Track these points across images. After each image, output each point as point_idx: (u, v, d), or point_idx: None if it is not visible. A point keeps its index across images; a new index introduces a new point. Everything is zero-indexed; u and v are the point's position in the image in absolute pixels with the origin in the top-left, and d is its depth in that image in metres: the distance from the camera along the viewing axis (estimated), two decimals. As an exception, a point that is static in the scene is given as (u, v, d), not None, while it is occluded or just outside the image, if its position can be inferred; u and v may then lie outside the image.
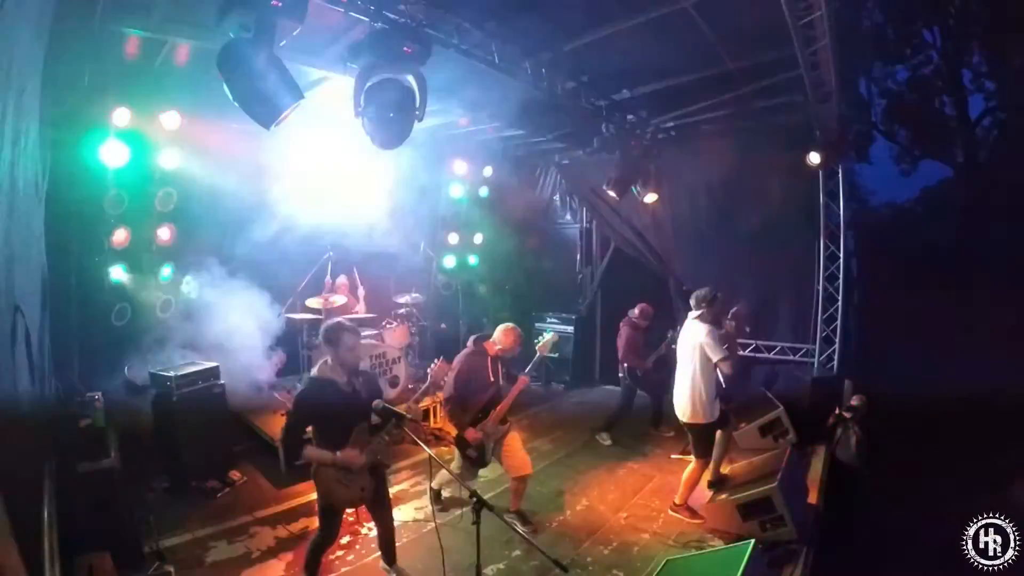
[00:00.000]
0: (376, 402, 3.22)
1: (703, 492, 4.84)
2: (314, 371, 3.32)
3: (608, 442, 6.47)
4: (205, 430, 5.15)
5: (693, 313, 4.60)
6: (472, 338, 4.61)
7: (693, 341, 4.50)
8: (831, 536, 4.46)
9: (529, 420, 7.34)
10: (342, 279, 7.35)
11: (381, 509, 3.55)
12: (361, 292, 7.68)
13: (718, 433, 4.68)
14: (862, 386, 6.94)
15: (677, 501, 4.75)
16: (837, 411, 6.20)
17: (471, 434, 4.29)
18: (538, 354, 4.58)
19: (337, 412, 3.20)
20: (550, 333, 4.73)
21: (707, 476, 4.90)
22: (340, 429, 3.21)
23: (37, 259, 3.46)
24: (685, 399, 4.57)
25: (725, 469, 5.13)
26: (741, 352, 4.74)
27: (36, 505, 2.65)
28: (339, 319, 3.50)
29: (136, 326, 5.56)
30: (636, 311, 6.69)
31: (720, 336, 4.41)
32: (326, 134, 6.05)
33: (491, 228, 9.04)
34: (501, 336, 4.48)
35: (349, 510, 3.76)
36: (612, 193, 7.07)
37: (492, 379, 4.45)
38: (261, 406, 6.41)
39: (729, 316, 4.71)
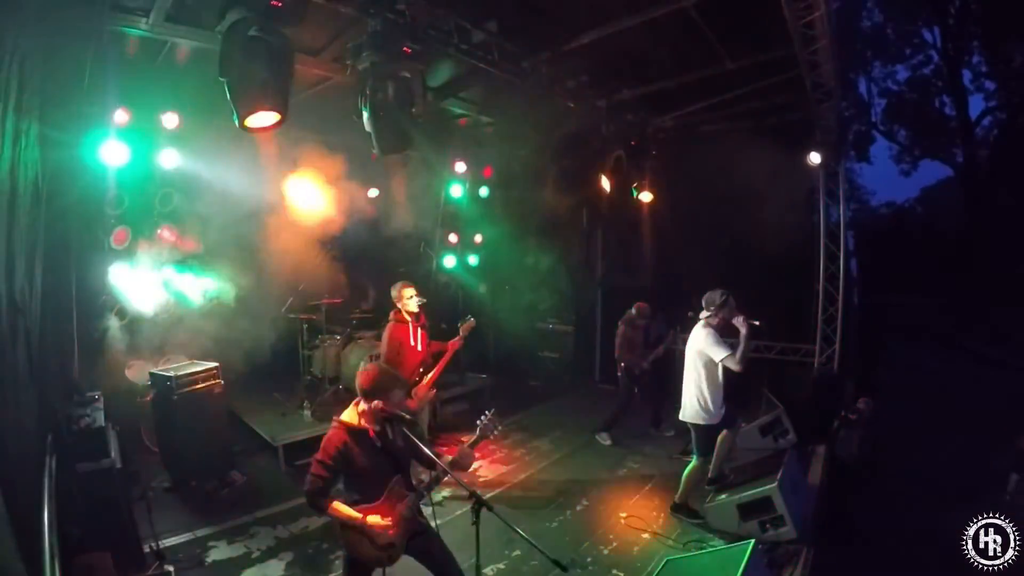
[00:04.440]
0: (375, 403, 2.85)
1: (703, 492, 4.83)
2: (345, 414, 2.92)
3: (608, 442, 6.47)
4: (205, 430, 5.15)
5: (703, 314, 4.60)
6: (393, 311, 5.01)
7: (696, 345, 4.52)
8: (831, 536, 4.45)
9: (529, 420, 7.35)
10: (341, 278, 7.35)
11: (435, 564, 2.97)
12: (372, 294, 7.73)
13: (723, 432, 4.68)
14: (861, 385, 6.94)
15: (677, 500, 4.76)
16: (843, 414, 6.18)
17: (409, 403, 4.16)
18: (460, 332, 4.97)
19: (369, 465, 2.84)
20: (470, 319, 5.08)
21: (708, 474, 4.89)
22: (372, 482, 2.85)
23: (37, 259, 3.46)
24: (689, 400, 4.59)
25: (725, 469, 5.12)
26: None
27: (36, 505, 2.65)
28: (384, 367, 3.09)
29: (136, 326, 5.56)
30: (633, 310, 6.67)
31: (720, 337, 4.41)
32: (326, 134, 6.05)
33: (491, 228, 9.04)
34: (395, 295, 4.95)
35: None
36: (611, 192, 7.07)
37: (413, 344, 4.84)
38: (261, 406, 6.42)
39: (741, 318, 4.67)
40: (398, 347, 4.81)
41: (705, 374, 4.48)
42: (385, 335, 4.91)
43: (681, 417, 4.68)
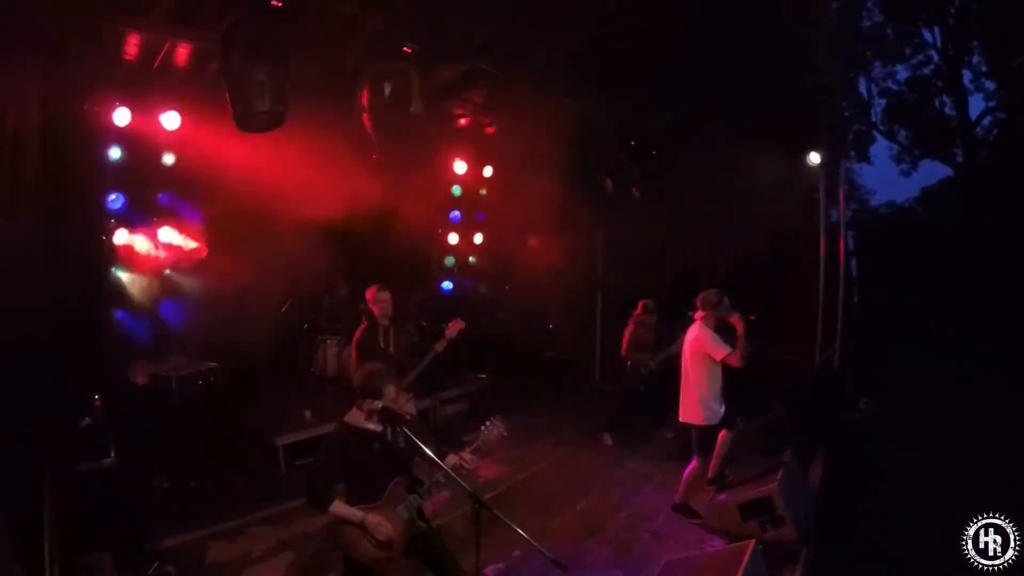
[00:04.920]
0: (376, 403, 2.85)
1: (703, 492, 4.83)
2: (348, 415, 2.95)
3: (609, 442, 6.43)
4: (205, 430, 5.15)
5: (698, 315, 4.60)
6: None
7: (695, 346, 4.52)
8: (831, 536, 4.45)
9: (529, 420, 7.33)
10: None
11: (436, 566, 3.00)
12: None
13: (722, 432, 4.68)
14: (862, 385, 6.94)
15: (677, 501, 4.76)
16: (844, 414, 6.17)
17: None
18: (444, 337, 4.90)
19: (370, 465, 2.86)
20: (456, 320, 5.00)
21: (708, 474, 4.90)
22: (373, 484, 2.86)
23: (38, 259, 3.46)
24: (688, 400, 4.60)
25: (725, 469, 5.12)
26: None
27: (36, 505, 2.65)
28: (376, 365, 3.07)
29: (136, 326, 5.56)
30: (640, 308, 6.52)
31: (719, 336, 4.42)
32: (326, 134, 6.04)
33: (491, 227, 9.04)
34: (369, 298, 4.91)
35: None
36: (611, 192, 7.08)
37: (383, 346, 4.81)
38: (261, 406, 6.41)
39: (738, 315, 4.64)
40: (367, 349, 4.79)
41: (705, 374, 4.48)
42: (354, 337, 4.94)
43: (681, 418, 4.68)
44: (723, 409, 4.60)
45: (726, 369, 4.49)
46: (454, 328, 4.99)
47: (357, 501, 2.85)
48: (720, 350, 4.35)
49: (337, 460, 2.85)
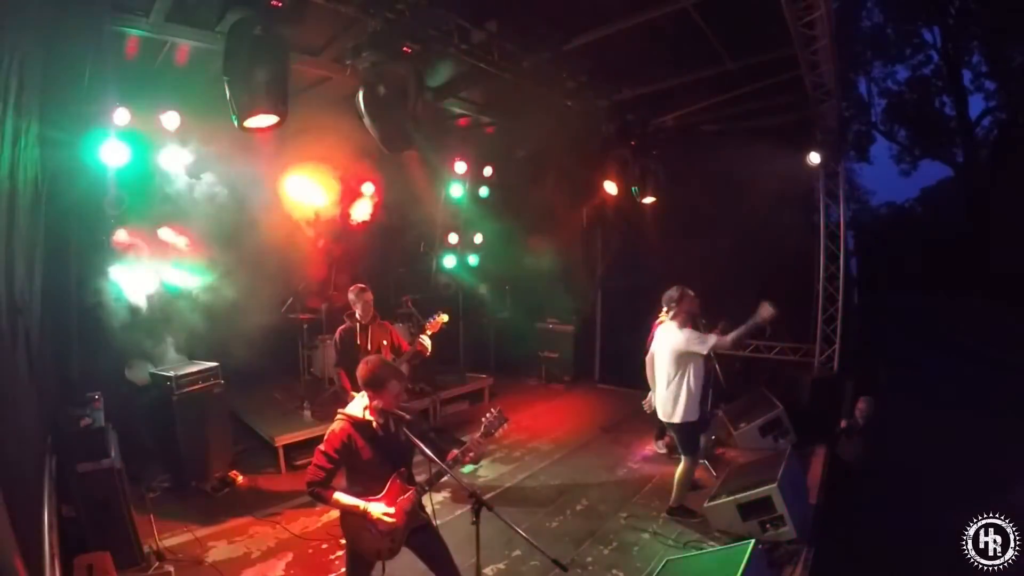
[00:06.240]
0: (376, 401, 2.90)
1: (698, 492, 4.82)
2: (349, 408, 2.99)
3: (663, 450, 6.17)
4: (205, 430, 5.15)
5: (664, 313, 4.58)
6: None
7: (672, 346, 4.46)
8: (831, 536, 4.45)
9: (529, 420, 7.34)
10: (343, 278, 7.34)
11: (433, 559, 3.00)
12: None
13: (683, 462, 4.62)
14: (861, 385, 6.94)
15: (672, 504, 4.71)
16: (844, 414, 6.16)
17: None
18: (428, 331, 5.07)
19: (371, 458, 2.87)
20: (438, 315, 5.18)
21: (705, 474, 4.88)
22: (374, 476, 2.88)
23: (37, 259, 3.46)
24: (668, 401, 4.52)
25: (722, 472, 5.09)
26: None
27: (36, 505, 2.65)
28: (384, 359, 3.15)
29: (136, 326, 5.56)
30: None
31: (697, 333, 4.40)
32: (326, 134, 6.04)
33: (491, 228, 9.03)
34: (350, 298, 5.05)
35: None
36: (612, 192, 7.08)
37: (360, 343, 4.92)
38: (261, 406, 6.42)
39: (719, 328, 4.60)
40: (347, 348, 4.94)
41: (689, 374, 4.43)
42: (335, 336, 5.12)
43: (664, 419, 4.61)
44: (701, 408, 4.54)
45: (712, 368, 4.44)
46: (435, 324, 5.13)
47: (359, 493, 2.87)
48: (704, 344, 4.29)
49: (339, 452, 2.85)
